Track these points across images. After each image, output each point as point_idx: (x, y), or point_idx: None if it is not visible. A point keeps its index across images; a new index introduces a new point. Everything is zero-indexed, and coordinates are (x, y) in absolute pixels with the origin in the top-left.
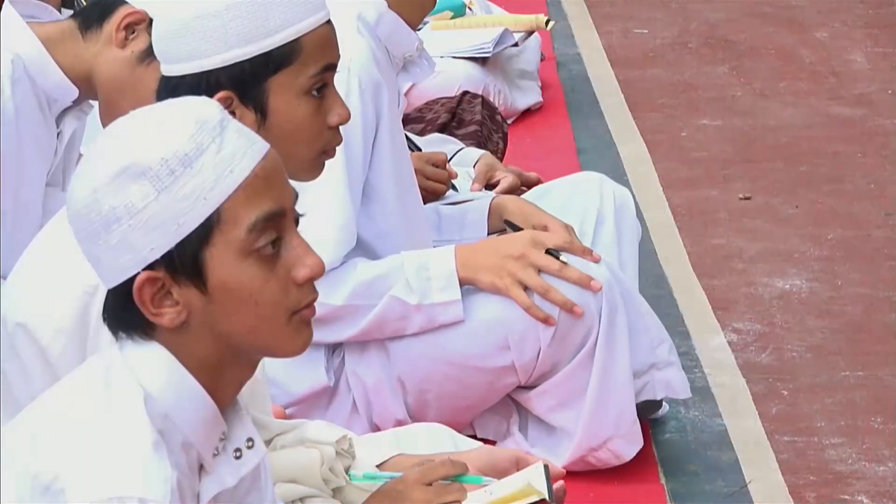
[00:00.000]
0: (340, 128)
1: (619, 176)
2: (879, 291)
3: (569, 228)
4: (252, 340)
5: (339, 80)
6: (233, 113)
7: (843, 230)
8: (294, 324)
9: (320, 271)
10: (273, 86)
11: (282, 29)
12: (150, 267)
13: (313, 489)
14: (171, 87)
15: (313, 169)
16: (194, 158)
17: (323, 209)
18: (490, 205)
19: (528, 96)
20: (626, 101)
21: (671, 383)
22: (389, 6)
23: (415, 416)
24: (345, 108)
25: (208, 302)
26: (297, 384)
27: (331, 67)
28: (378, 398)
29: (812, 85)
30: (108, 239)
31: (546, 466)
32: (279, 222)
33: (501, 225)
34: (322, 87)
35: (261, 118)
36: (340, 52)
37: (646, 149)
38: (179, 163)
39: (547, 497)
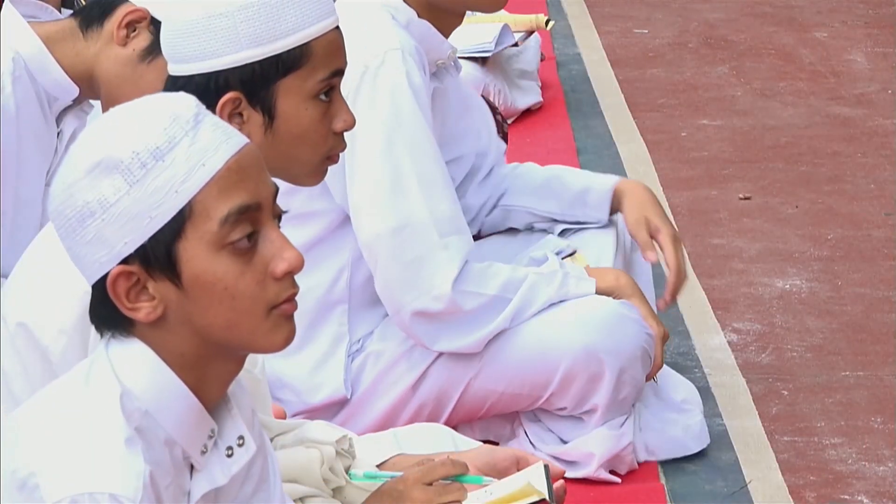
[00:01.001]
0: (417, 105)
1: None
2: (879, 291)
3: (676, 239)
4: (230, 335)
5: (396, 61)
6: (240, 115)
7: (843, 230)
8: (273, 319)
9: (299, 265)
10: (281, 89)
11: (293, 32)
12: (125, 262)
13: (313, 489)
14: (179, 88)
15: (316, 174)
16: (166, 151)
17: (436, 186)
18: (614, 189)
19: (528, 96)
20: (626, 101)
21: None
22: (419, 15)
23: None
24: (350, 115)
25: (184, 296)
26: (313, 393)
27: (339, 73)
28: (401, 407)
29: (812, 85)
30: (83, 234)
31: (546, 466)
32: (254, 216)
33: (620, 208)
34: (329, 92)
35: (268, 121)
36: (385, 36)
37: (646, 149)
38: (151, 156)
39: (547, 497)
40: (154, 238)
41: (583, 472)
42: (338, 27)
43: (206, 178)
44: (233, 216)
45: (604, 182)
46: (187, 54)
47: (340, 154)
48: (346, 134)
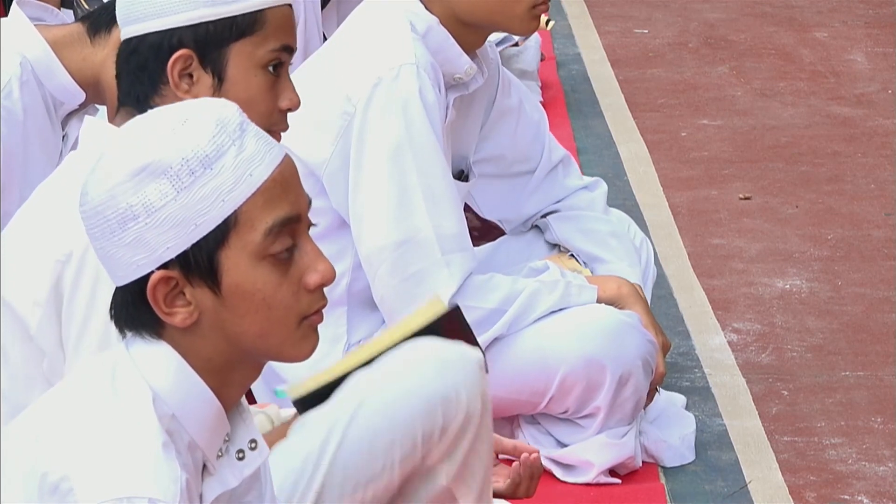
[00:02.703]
0: (428, 122)
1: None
2: (879, 291)
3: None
4: (261, 344)
5: (410, 76)
6: (190, 76)
7: (843, 230)
8: (303, 329)
9: (331, 278)
10: (233, 52)
11: None
12: (163, 266)
13: None
14: (132, 51)
15: None
16: (214, 160)
17: (442, 203)
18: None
19: None
20: (626, 101)
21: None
22: (441, 22)
23: None
24: (296, 96)
25: (221, 304)
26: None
27: (289, 49)
28: None
29: (812, 85)
30: (123, 236)
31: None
32: (294, 227)
33: None
34: (278, 67)
35: (217, 83)
36: (402, 49)
37: (646, 149)
38: (200, 164)
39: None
40: (197, 245)
41: (582, 479)
42: (290, 6)
43: (253, 188)
44: (276, 227)
45: (621, 271)
46: (143, 13)
47: (346, 160)
48: (353, 143)
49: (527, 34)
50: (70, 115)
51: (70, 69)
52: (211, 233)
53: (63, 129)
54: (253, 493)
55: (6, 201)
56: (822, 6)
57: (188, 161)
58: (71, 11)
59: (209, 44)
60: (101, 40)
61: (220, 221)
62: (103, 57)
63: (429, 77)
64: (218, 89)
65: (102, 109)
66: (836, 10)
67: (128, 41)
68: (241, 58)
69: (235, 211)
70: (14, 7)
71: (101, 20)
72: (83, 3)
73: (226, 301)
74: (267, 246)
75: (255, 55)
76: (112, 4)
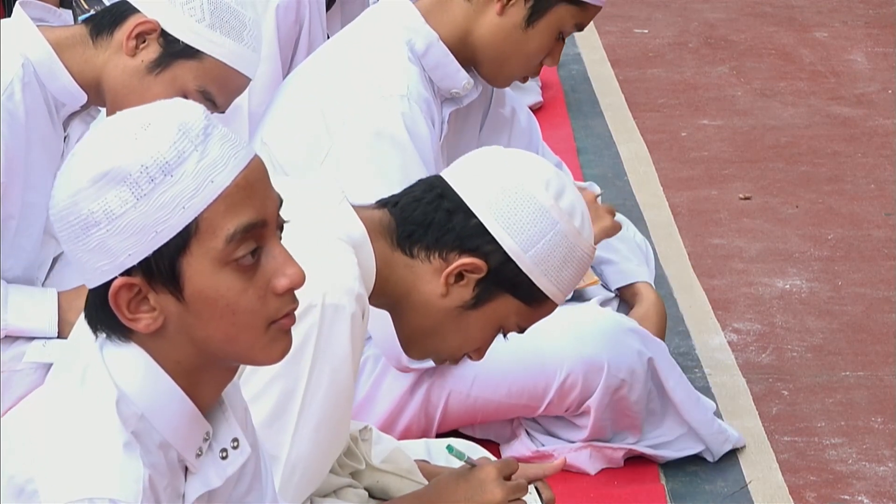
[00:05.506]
0: (417, 155)
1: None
2: (879, 291)
3: None
4: (228, 348)
5: (399, 107)
6: (462, 277)
7: (843, 230)
8: (272, 333)
9: (300, 281)
10: (498, 299)
11: (549, 277)
12: (127, 272)
13: (347, 479)
14: (453, 208)
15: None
16: (175, 166)
17: None
18: (635, 285)
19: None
20: (626, 101)
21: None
22: (441, 37)
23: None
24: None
25: (185, 309)
26: None
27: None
28: (400, 411)
29: (812, 85)
30: (86, 242)
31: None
32: (259, 232)
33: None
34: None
35: (467, 306)
36: (395, 79)
37: (646, 149)
38: (160, 170)
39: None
40: (158, 252)
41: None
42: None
43: (214, 195)
44: (239, 234)
45: (631, 271)
46: (496, 209)
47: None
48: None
49: (501, 87)
50: (71, 116)
51: (72, 71)
52: (172, 240)
53: (64, 131)
54: (254, 494)
55: (8, 202)
56: (822, 6)
57: (147, 168)
58: (70, 11)
59: (501, 278)
60: (103, 42)
61: (180, 228)
62: (105, 59)
63: (421, 109)
64: (458, 312)
65: (104, 111)
66: (836, 10)
67: (457, 198)
68: (497, 310)
69: (196, 218)
70: (17, 8)
71: (103, 22)
72: (82, 2)
73: (190, 307)
74: (229, 252)
75: (508, 320)
76: (115, 6)
